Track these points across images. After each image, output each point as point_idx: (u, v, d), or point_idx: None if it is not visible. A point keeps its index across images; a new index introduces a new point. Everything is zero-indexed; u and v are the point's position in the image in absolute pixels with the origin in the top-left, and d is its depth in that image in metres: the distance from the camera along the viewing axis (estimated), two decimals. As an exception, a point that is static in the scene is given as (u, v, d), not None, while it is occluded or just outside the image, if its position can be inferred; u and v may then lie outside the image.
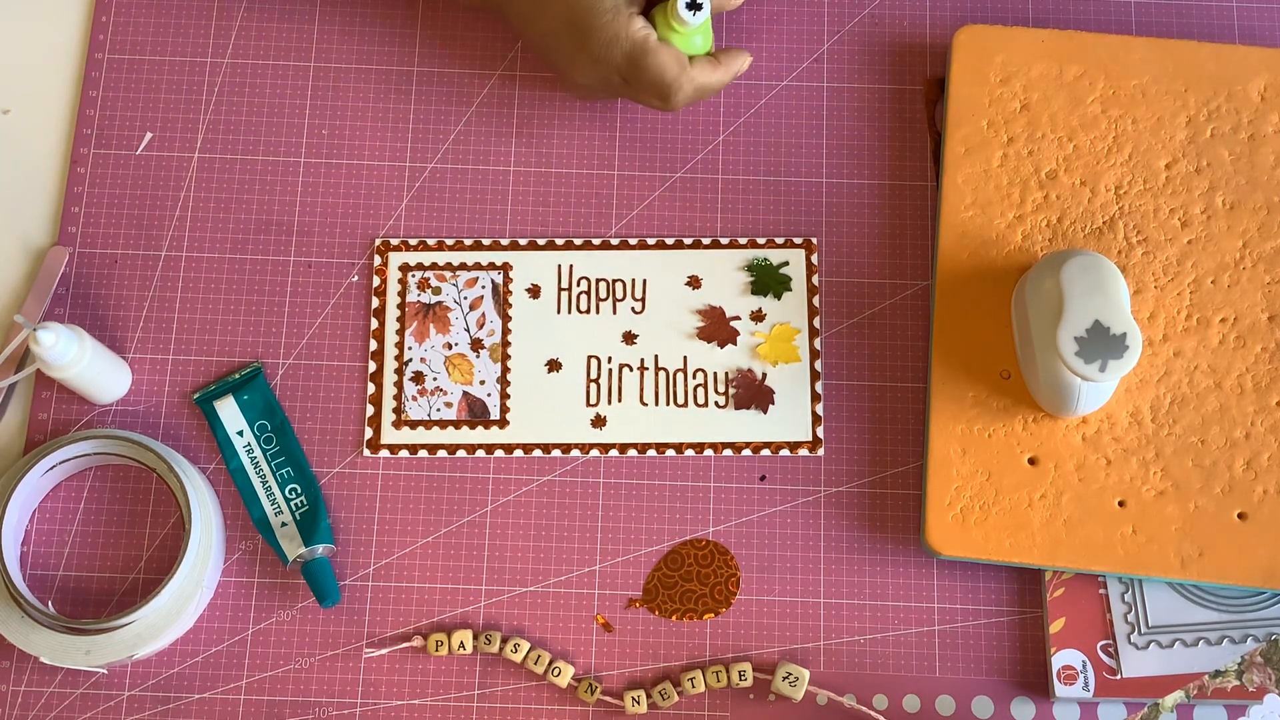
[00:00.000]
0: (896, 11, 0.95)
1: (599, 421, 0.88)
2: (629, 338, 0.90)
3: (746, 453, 0.88)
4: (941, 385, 0.86)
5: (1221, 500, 0.84)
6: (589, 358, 0.89)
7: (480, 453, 0.88)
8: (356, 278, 0.91)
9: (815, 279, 0.90)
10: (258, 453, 0.88)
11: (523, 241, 0.91)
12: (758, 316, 0.90)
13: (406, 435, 0.88)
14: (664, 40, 0.85)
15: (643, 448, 0.88)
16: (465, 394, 0.89)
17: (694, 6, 0.85)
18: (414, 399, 0.89)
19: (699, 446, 0.88)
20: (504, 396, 0.89)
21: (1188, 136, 0.90)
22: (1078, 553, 0.83)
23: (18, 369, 0.88)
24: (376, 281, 0.91)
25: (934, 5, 0.95)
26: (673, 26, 0.85)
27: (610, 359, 0.89)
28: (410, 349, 0.89)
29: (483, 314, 0.90)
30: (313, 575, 0.84)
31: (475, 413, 0.89)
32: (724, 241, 0.91)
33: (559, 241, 0.91)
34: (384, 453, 0.88)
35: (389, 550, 0.87)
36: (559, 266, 0.91)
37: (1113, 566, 0.83)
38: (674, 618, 0.85)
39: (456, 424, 0.88)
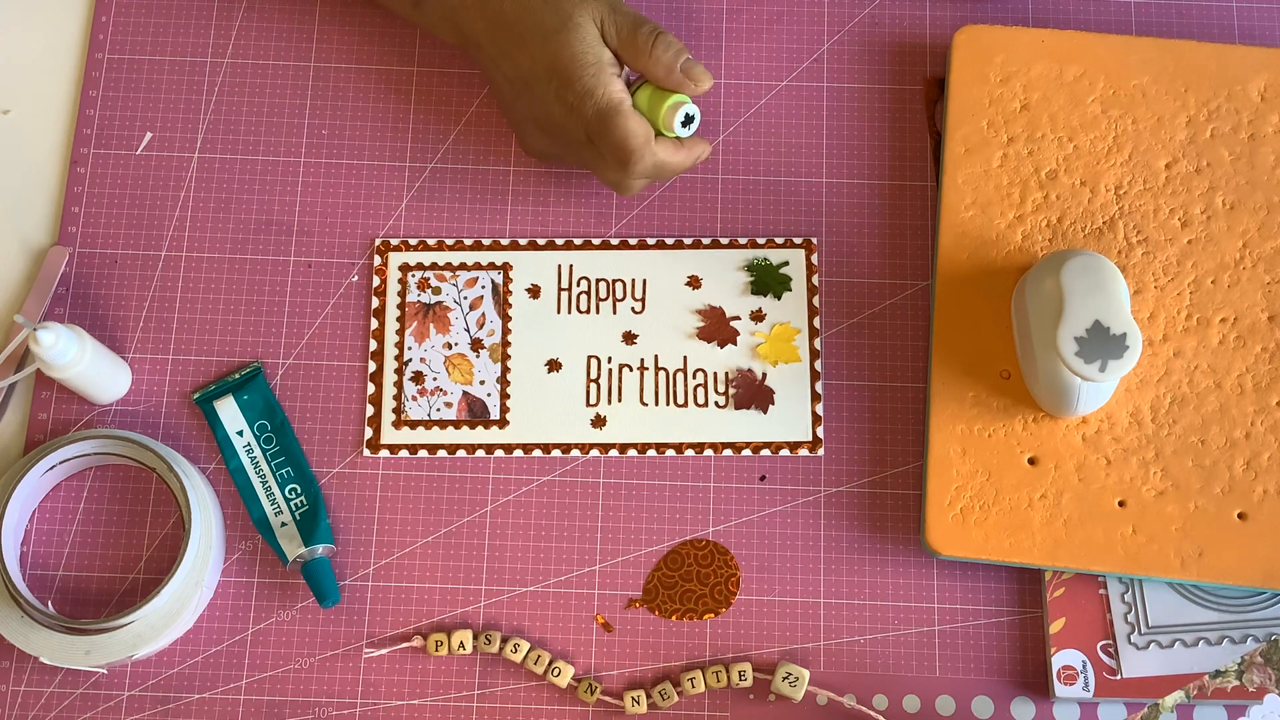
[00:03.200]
0: (896, 11, 0.95)
1: (599, 421, 0.88)
2: (629, 338, 0.90)
3: (746, 453, 0.88)
4: (941, 385, 0.86)
5: (1221, 500, 0.84)
6: (589, 358, 0.89)
7: (480, 453, 0.88)
8: (356, 278, 0.91)
9: (815, 279, 0.90)
10: (258, 453, 0.88)
11: (523, 241, 0.91)
12: (758, 316, 0.90)
13: (406, 435, 0.88)
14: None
15: (643, 448, 0.88)
16: (465, 394, 0.89)
17: (688, 121, 0.85)
18: (414, 399, 0.89)
19: (699, 446, 0.88)
20: (504, 396, 0.89)
21: (1188, 136, 0.90)
22: (1078, 553, 0.83)
23: (18, 369, 0.88)
24: (376, 281, 0.91)
25: (934, 5, 0.95)
26: (659, 127, 0.85)
27: (610, 359, 0.89)
28: (410, 349, 0.89)
29: (483, 314, 0.90)
30: (313, 575, 0.84)
31: (475, 413, 0.89)
32: (724, 241, 0.91)
33: (559, 241, 0.91)
34: (384, 453, 0.88)
35: (389, 550, 0.87)
36: (559, 266, 0.91)
37: (1113, 566, 0.83)
38: (674, 618, 0.85)
39: (456, 424, 0.88)
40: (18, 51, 0.96)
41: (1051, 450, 0.85)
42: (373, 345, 0.90)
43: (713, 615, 0.85)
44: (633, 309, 0.90)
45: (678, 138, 0.86)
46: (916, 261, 0.91)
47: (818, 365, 0.89)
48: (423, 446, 0.88)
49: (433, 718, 0.84)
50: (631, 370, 0.89)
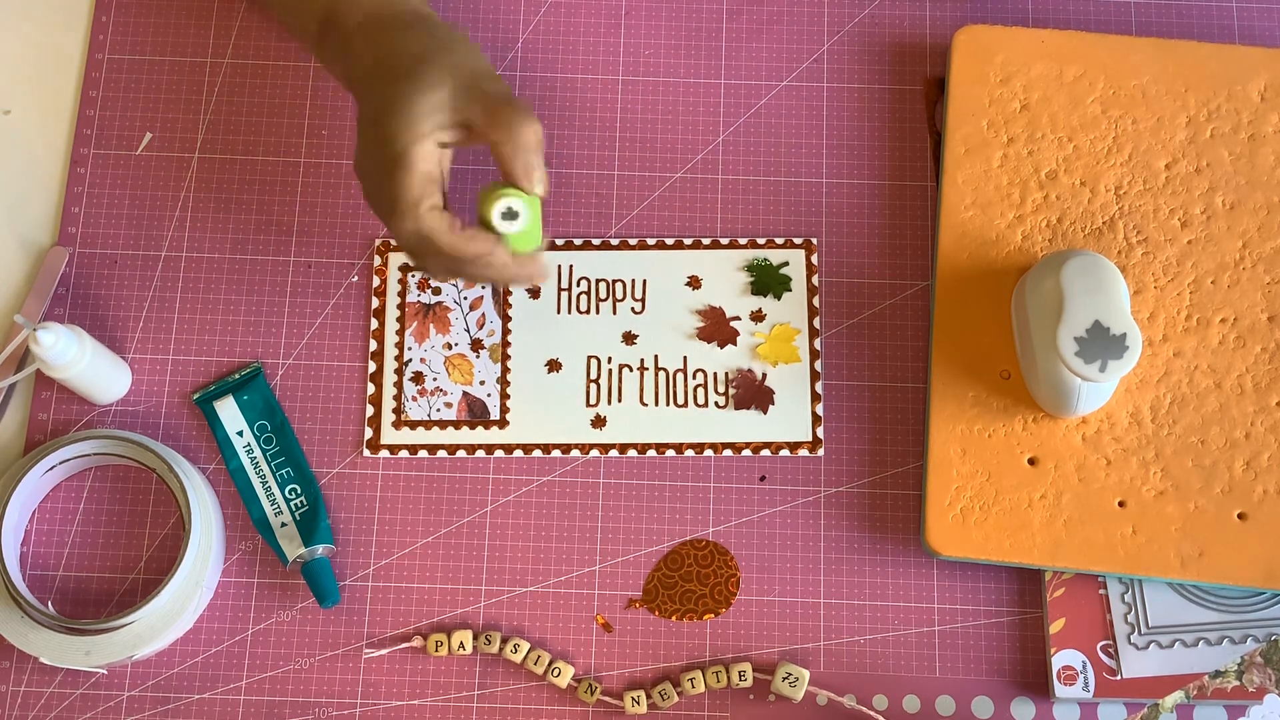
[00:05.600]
0: (896, 11, 0.95)
1: (599, 421, 0.88)
2: (629, 338, 0.90)
3: (746, 453, 0.88)
4: (941, 385, 0.86)
5: (1221, 500, 0.84)
6: (589, 358, 0.89)
7: (480, 453, 0.88)
8: (356, 278, 0.91)
9: (815, 279, 0.90)
10: (257, 453, 0.88)
11: (523, 241, 0.91)
12: (758, 316, 0.90)
13: (406, 435, 0.88)
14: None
15: (643, 448, 0.88)
16: (465, 394, 0.89)
17: (510, 216, 0.78)
18: (414, 399, 0.89)
19: (699, 446, 0.88)
20: (504, 396, 0.89)
21: (1188, 136, 0.90)
22: (1078, 553, 0.83)
23: (18, 369, 0.88)
24: (376, 281, 0.91)
25: (934, 5, 0.95)
26: (482, 214, 0.79)
27: (610, 359, 0.89)
28: (410, 349, 0.89)
29: (483, 314, 0.90)
30: (313, 575, 0.84)
31: (475, 413, 0.89)
32: (724, 241, 0.91)
33: (559, 241, 0.91)
34: (384, 453, 0.88)
35: (389, 550, 0.87)
36: (559, 266, 0.91)
37: (1113, 566, 0.83)
38: (674, 618, 0.85)
39: (456, 424, 0.88)
40: (18, 51, 0.96)
41: (1051, 450, 0.85)
42: (373, 345, 0.90)
43: (713, 615, 0.85)
44: (633, 309, 0.90)
45: (496, 233, 0.79)
46: (916, 261, 0.91)
47: (818, 365, 0.89)
48: (423, 447, 0.88)
49: (433, 718, 0.84)
50: (631, 370, 0.89)
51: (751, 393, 0.89)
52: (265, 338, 0.90)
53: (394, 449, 0.88)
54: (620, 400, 0.89)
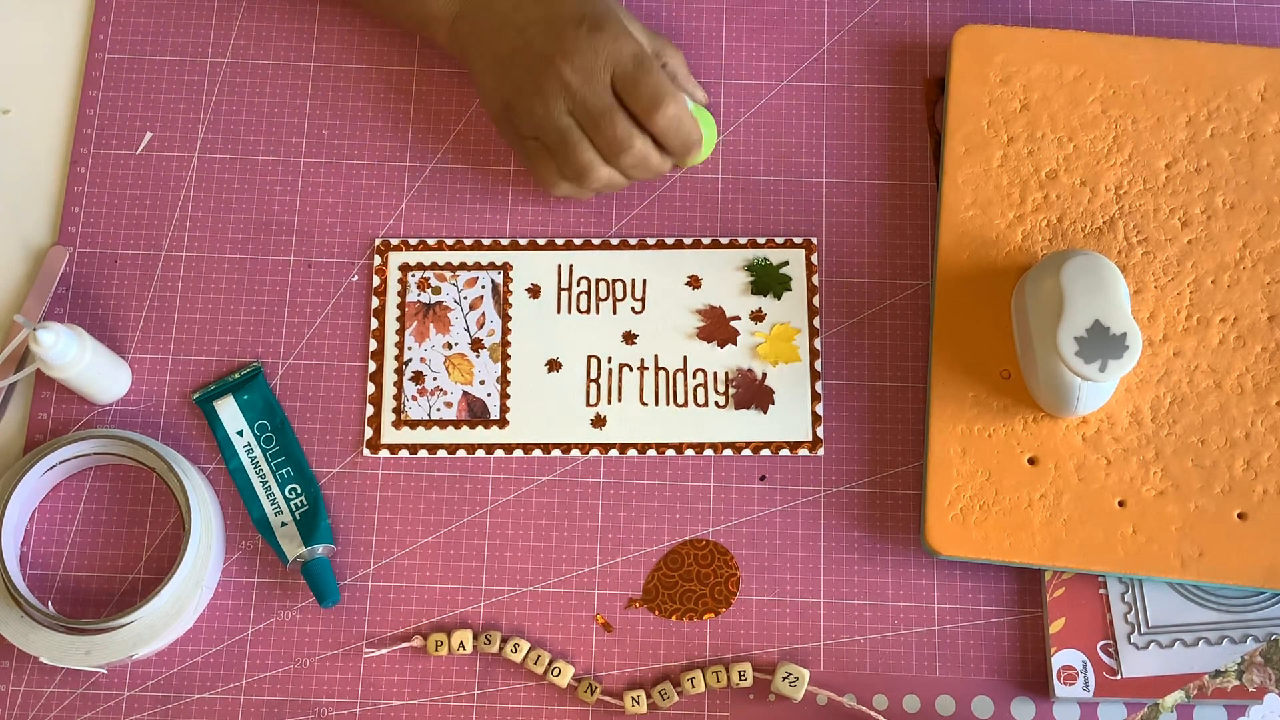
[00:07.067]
0: (896, 11, 0.95)
1: (599, 421, 0.88)
2: (629, 338, 0.90)
3: (746, 453, 0.88)
4: (941, 385, 0.86)
5: (1221, 500, 0.84)
6: (589, 358, 0.89)
7: (480, 453, 0.88)
8: (356, 278, 0.91)
9: (815, 279, 0.90)
10: (257, 453, 0.88)
11: (523, 241, 0.91)
12: (758, 316, 0.90)
13: (406, 435, 0.88)
14: None
15: (643, 448, 0.88)
16: (465, 394, 0.89)
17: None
18: (414, 399, 0.89)
19: (699, 446, 0.88)
20: (504, 396, 0.89)
21: (1188, 136, 0.90)
22: (1078, 553, 0.83)
23: (18, 369, 0.88)
24: (376, 281, 0.91)
25: (934, 5, 0.95)
26: None
27: (610, 359, 0.89)
28: (410, 349, 0.89)
29: (483, 314, 0.90)
30: (313, 575, 0.84)
31: (475, 413, 0.89)
32: (724, 241, 0.91)
33: (559, 241, 0.91)
34: (384, 453, 0.88)
35: (389, 550, 0.87)
36: (559, 266, 0.91)
37: (1113, 566, 0.83)
38: (674, 618, 0.85)
39: (456, 424, 0.88)
40: (18, 51, 0.96)
41: (1051, 450, 0.85)
42: (373, 345, 0.90)
43: (713, 615, 0.85)
44: (633, 309, 0.90)
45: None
46: (916, 261, 0.91)
47: (818, 365, 0.89)
48: (423, 446, 0.88)
49: (433, 718, 0.84)
50: (631, 370, 0.89)
51: (751, 392, 0.89)
52: (265, 337, 0.90)
53: (394, 449, 0.88)
54: (620, 400, 0.89)
